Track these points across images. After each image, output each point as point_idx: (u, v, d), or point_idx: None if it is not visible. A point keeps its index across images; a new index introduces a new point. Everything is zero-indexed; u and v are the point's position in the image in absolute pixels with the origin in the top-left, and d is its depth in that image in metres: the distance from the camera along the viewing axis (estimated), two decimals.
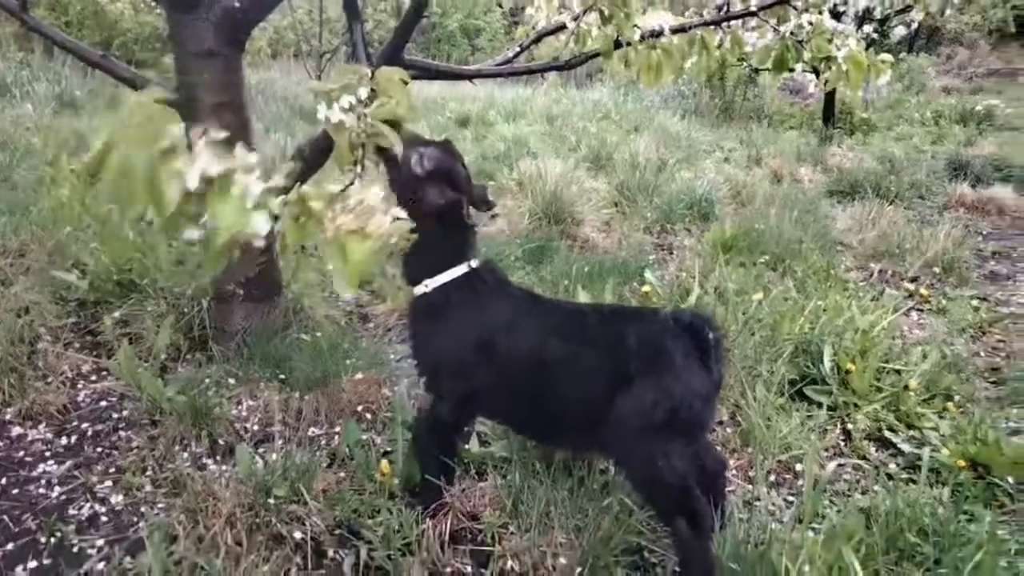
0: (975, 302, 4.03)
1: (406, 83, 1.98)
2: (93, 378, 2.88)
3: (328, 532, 1.97)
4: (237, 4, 2.62)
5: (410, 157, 1.89)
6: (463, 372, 1.95)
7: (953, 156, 7.95)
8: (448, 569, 1.89)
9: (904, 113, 12.29)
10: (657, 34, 2.73)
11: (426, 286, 1.95)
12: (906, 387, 2.76)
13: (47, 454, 2.40)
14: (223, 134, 1.35)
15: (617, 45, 2.78)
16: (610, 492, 2.05)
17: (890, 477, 2.39)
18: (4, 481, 2.24)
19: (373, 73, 1.95)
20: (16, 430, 2.51)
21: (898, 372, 2.92)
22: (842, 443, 2.61)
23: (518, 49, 3.39)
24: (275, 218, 1.39)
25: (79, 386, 2.81)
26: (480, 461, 2.29)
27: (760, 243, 4.48)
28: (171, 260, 3.52)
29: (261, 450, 2.38)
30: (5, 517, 2.08)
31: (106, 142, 1.17)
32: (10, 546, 1.98)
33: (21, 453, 2.39)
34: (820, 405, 2.71)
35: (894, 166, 7.41)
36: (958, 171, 7.39)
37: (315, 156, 2.79)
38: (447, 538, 1.95)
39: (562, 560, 1.83)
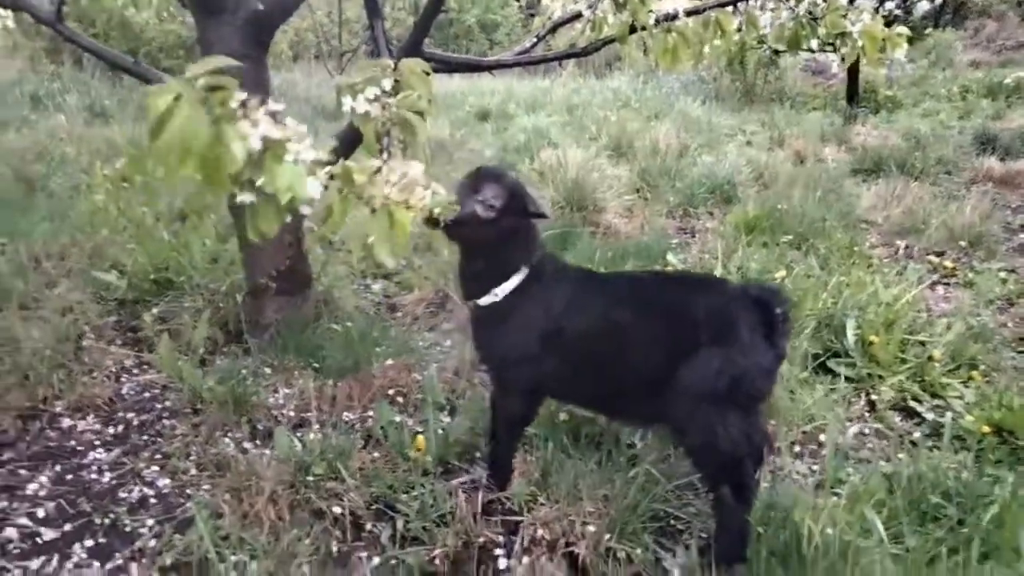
0: (1003, 274, 4.00)
1: (428, 74, 2.05)
2: (136, 372, 3.00)
3: (366, 507, 2.06)
4: (261, 7, 2.71)
5: (473, 209, 1.89)
6: (541, 362, 1.98)
7: (980, 130, 7.83)
8: (480, 539, 1.97)
9: (930, 89, 12.07)
10: (672, 17, 2.76)
11: (496, 295, 1.97)
12: (930, 357, 2.78)
13: (96, 443, 2.51)
14: (280, 105, 1.42)
15: (632, 30, 2.81)
16: (637, 463, 2.10)
17: (914, 444, 2.41)
18: (59, 468, 2.36)
19: (396, 65, 2.03)
20: (67, 422, 2.63)
21: (923, 344, 2.93)
22: (867, 414, 2.63)
23: (535, 39, 3.44)
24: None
25: (123, 379, 2.93)
26: None
27: (783, 223, 4.49)
28: (205, 258, 3.65)
29: (298, 434, 2.47)
30: (62, 500, 2.20)
31: (170, 103, 1.22)
32: (68, 527, 2.09)
33: (72, 443, 2.51)
34: (844, 377, 2.74)
35: (919, 142, 7.32)
36: (986, 145, 7.28)
37: (344, 148, 2.88)
38: (479, 510, 2.02)
39: (591, 528, 1.90)
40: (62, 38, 3.09)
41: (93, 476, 2.33)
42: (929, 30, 15.38)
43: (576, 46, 3.04)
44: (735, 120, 9.40)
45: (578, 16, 3.30)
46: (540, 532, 1.94)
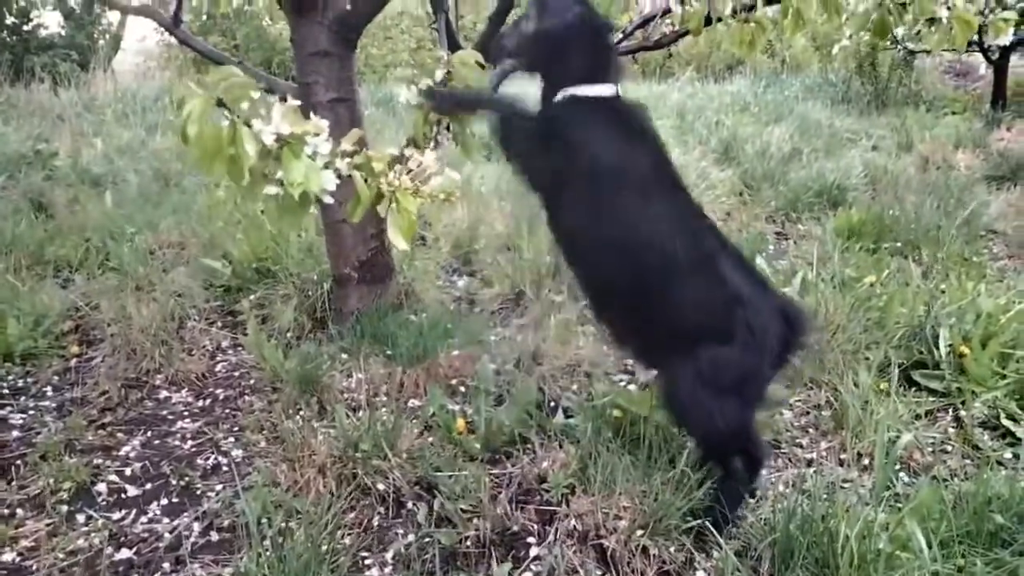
0: None
1: (482, 66, 2.11)
2: (230, 352, 3.23)
3: (409, 486, 2.13)
4: (348, 7, 2.86)
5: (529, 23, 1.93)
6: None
7: None
8: (515, 527, 1.98)
9: None
10: (750, 8, 2.68)
11: (564, 93, 1.86)
12: None
13: (185, 414, 2.73)
14: (296, 103, 1.52)
15: (708, 22, 2.76)
16: (676, 463, 2.05)
17: (1001, 465, 2.21)
18: (149, 434, 2.59)
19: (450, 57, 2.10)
20: (163, 393, 2.87)
21: None
22: (951, 430, 2.43)
23: (622, 35, 3.43)
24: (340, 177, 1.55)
25: (217, 358, 3.17)
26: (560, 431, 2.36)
27: (892, 229, 4.23)
28: (301, 249, 3.87)
29: (359, 414, 2.57)
30: (147, 462, 2.41)
31: (190, 110, 1.35)
32: (148, 486, 2.29)
33: (165, 412, 2.74)
34: (927, 390, 2.54)
35: None
36: None
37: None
38: (514, 498, 2.03)
39: (623, 522, 1.87)
40: (178, 41, 3.39)
41: (177, 442, 2.54)
42: None
43: (650, 38, 3.01)
44: (861, 124, 8.89)
45: (668, 11, 3.27)
46: (574, 523, 1.93)
